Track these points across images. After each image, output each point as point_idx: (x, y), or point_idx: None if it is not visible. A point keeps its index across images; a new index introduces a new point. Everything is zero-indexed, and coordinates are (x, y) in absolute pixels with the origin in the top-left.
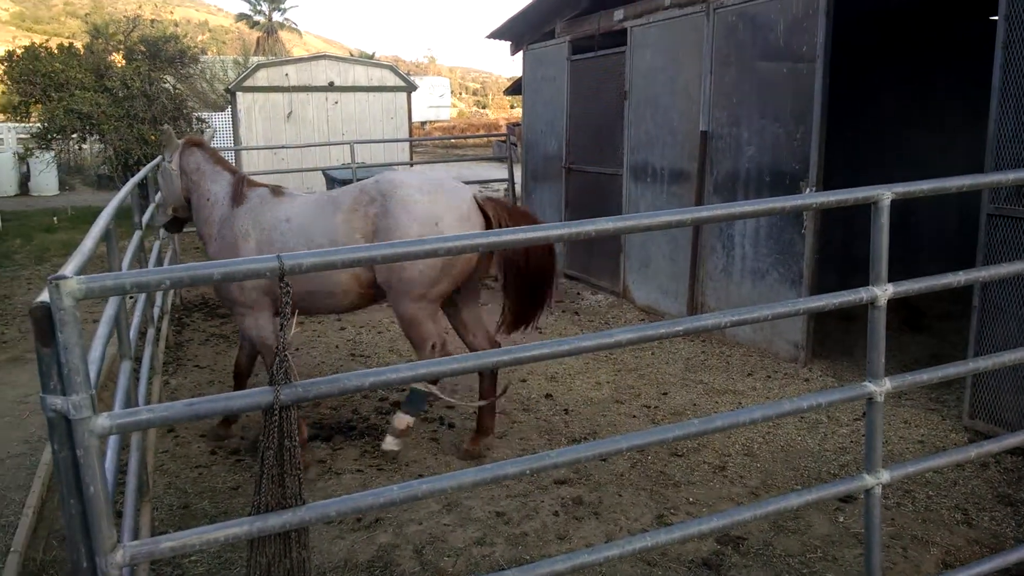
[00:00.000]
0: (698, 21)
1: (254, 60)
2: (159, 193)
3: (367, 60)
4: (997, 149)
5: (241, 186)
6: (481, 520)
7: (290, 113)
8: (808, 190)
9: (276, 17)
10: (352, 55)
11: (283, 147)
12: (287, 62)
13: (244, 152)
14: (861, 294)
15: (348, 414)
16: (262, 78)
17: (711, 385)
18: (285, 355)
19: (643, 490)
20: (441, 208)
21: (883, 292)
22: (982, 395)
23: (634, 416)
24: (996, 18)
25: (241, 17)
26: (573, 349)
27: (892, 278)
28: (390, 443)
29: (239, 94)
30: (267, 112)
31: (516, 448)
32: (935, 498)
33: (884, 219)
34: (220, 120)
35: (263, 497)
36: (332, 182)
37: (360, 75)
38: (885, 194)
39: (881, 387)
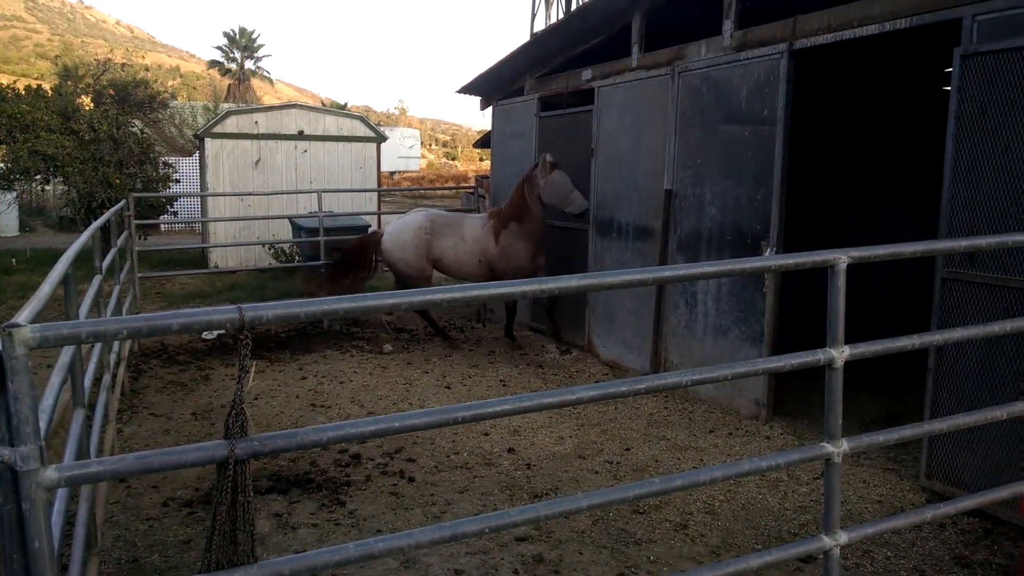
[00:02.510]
0: (664, 83)
1: (224, 107)
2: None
3: (337, 110)
4: (951, 215)
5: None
6: None
7: (258, 160)
8: (769, 250)
9: (248, 65)
10: (324, 104)
11: (250, 194)
12: (257, 109)
13: (211, 198)
14: (819, 355)
15: (306, 466)
16: (231, 125)
17: (673, 441)
18: (241, 408)
19: (604, 548)
20: None
21: (840, 354)
22: (939, 456)
23: (596, 472)
24: (949, 89)
25: (213, 64)
26: (535, 406)
27: (855, 338)
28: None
29: (208, 140)
30: (235, 158)
31: (477, 503)
32: (893, 559)
33: (840, 282)
34: (187, 165)
35: (214, 554)
36: (299, 230)
37: (330, 124)
38: (841, 258)
39: (838, 448)
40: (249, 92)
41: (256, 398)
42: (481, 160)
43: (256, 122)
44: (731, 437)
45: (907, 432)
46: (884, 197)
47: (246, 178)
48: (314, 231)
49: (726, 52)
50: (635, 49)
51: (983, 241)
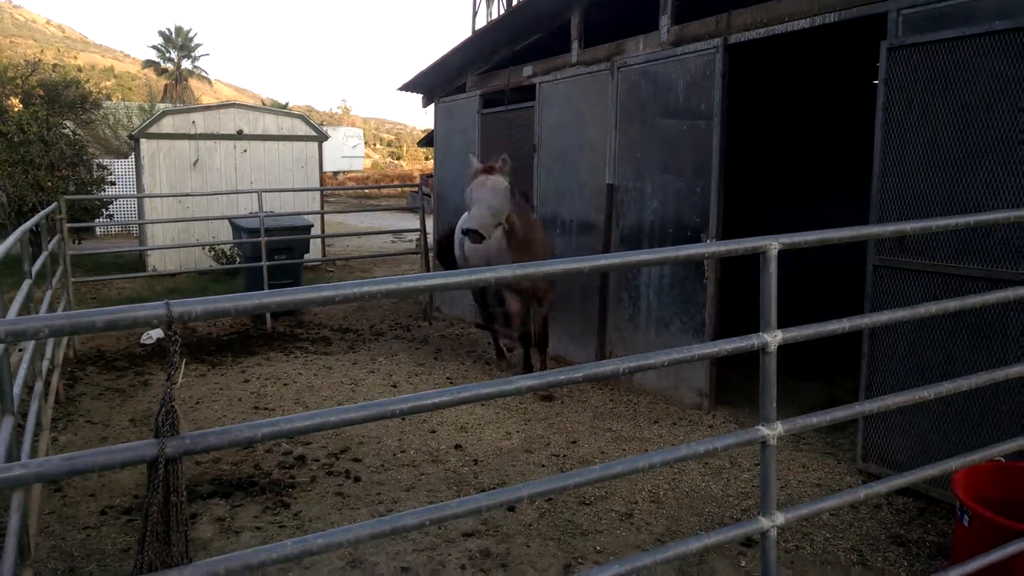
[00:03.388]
0: (603, 79)
1: (160, 107)
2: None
3: (277, 109)
4: (881, 204)
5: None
6: None
7: (196, 161)
8: (708, 242)
9: (186, 64)
10: (264, 104)
11: (188, 195)
12: (194, 109)
13: (147, 200)
14: (752, 340)
15: (249, 469)
16: (167, 125)
17: (619, 433)
18: (172, 405)
19: (551, 540)
20: None
21: (773, 338)
22: (874, 439)
23: (543, 465)
24: (878, 82)
25: (148, 64)
26: (474, 396)
27: (792, 324)
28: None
29: (143, 141)
30: (172, 159)
31: (424, 500)
32: (832, 540)
33: (772, 268)
34: (123, 167)
35: (146, 556)
36: (239, 231)
37: (270, 124)
38: (772, 244)
39: (773, 431)
40: (187, 92)
41: (197, 402)
42: (427, 159)
43: (193, 122)
44: (675, 427)
45: (839, 414)
46: (823, 189)
47: (184, 179)
48: (255, 232)
49: (663, 47)
50: (575, 45)
51: (908, 226)
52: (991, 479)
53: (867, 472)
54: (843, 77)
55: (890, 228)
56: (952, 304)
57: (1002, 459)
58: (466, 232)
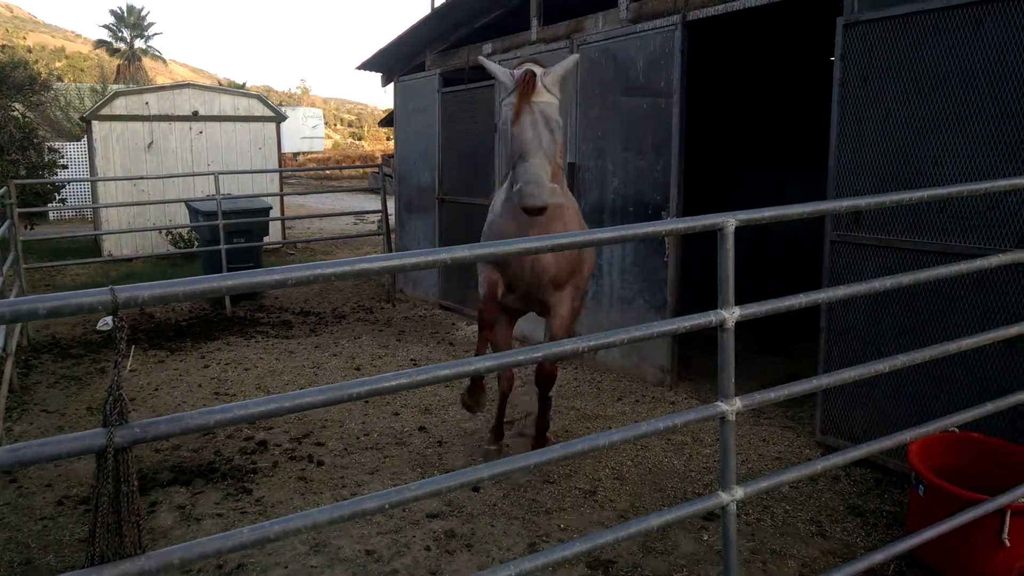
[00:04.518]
0: (563, 56)
1: (113, 88)
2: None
3: (234, 89)
4: (837, 180)
5: None
6: (350, 560)
7: (151, 143)
8: (668, 219)
9: (139, 44)
10: (221, 84)
11: (143, 178)
12: (148, 90)
13: (101, 184)
14: (710, 317)
15: (210, 456)
16: (120, 106)
17: (583, 411)
18: (120, 393)
19: (515, 519)
20: None
21: (731, 315)
22: (832, 412)
23: (507, 445)
24: (835, 59)
25: (100, 44)
26: (432, 378)
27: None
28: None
29: (95, 123)
30: (126, 142)
31: (388, 483)
32: (792, 512)
33: (729, 245)
34: (75, 150)
35: (98, 547)
36: (196, 214)
37: (226, 104)
38: (729, 221)
39: (732, 406)
40: (140, 73)
41: (156, 389)
42: (388, 139)
43: (147, 103)
44: (638, 404)
45: (796, 388)
46: (784, 165)
47: (138, 161)
48: (212, 215)
49: (623, 24)
50: (534, 23)
51: (863, 201)
52: (945, 449)
53: (826, 445)
54: (804, 52)
55: (845, 203)
56: (906, 278)
57: (956, 429)
58: (529, 210)
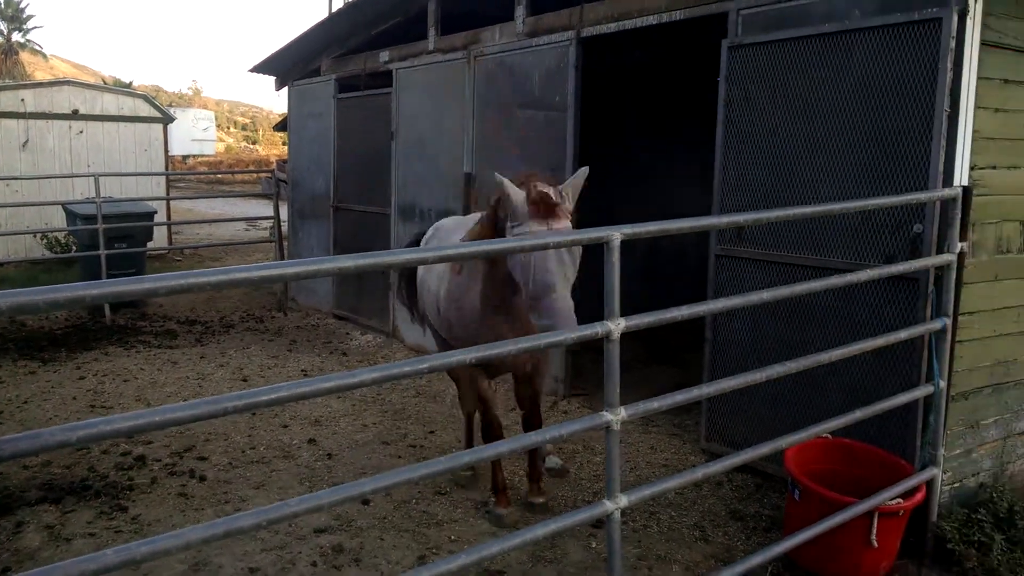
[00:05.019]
0: (460, 67)
1: None
2: None
3: (118, 88)
4: (722, 196)
5: None
6: None
7: (26, 142)
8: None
9: (17, 38)
10: (106, 82)
11: (16, 178)
12: (23, 86)
13: None
14: (597, 329)
15: (84, 472)
16: None
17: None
18: None
19: (406, 532)
20: None
21: (616, 326)
22: (716, 420)
23: (400, 456)
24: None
25: None
26: (313, 391)
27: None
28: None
29: None
30: None
31: (274, 498)
32: (677, 518)
33: (615, 258)
34: None
35: None
36: (74, 218)
37: (110, 104)
38: (615, 235)
39: (617, 416)
40: (18, 67)
41: (25, 402)
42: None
43: (23, 100)
44: None
45: (679, 398)
46: (678, 180)
47: (12, 161)
48: (91, 218)
49: (519, 38)
50: (431, 32)
51: (741, 217)
52: (820, 455)
53: (710, 451)
54: (697, 72)
55: (724, 219)
56: (783, 291)
57: (829, 435)
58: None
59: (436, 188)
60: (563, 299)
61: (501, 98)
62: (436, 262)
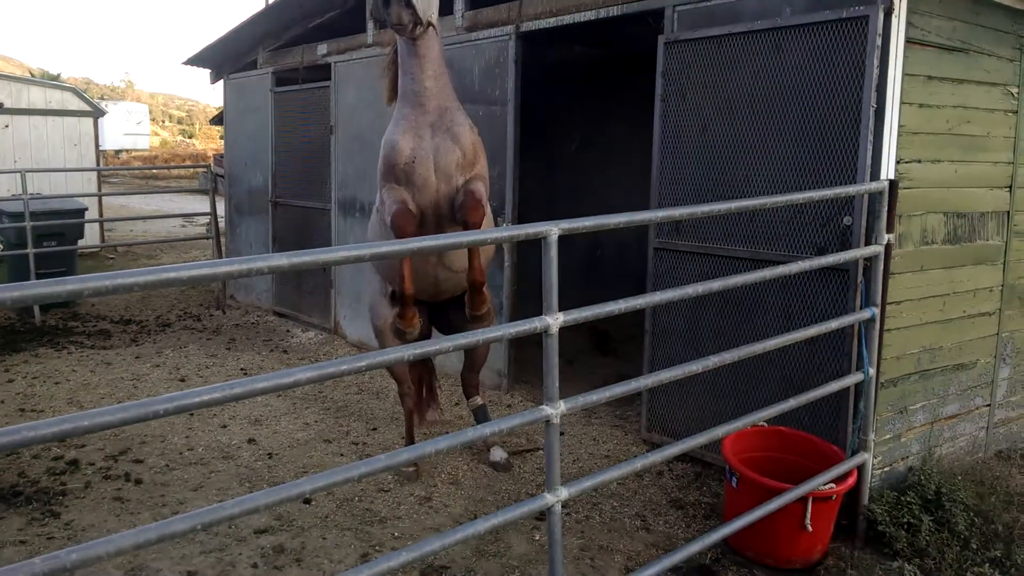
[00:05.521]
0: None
1: None
2: None
3: (45, 80)
4: (659, 190)
5: None
6: None
7: None
8: (504, 226)
9: None
10: (32, 75)
11: None
12: None
13: None
14: (535, 323)
15: (13, 478)
16: None
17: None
18: None
19: (348, 530)
20: None
21: (555, 321)
22: (657, 411)
23: (342, 454)
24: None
25: None
26: (247, 392)
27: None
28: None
29: None
30: None
31: (213, 500)
32: (619, 508)
33: (553, 253)
34: None
35: None
36: (0, 216)
37: (36, 97)
38: (552, 230)
39: (556, 409)
40: None
41: None
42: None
43: None
44: None
45: (618, 390)
46: (621, 175)
47: None
48: (18, 216)
49: (458, 32)
50: (370, 25)
51: (676, 212)
52: (756, 443)
53: (651, 442)
54: (636, 67)
55: (660, 214)
56: (717, 284)
57: (764, 423)
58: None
59: (377, 183)
60: None
61: None
62: (372, 260)
